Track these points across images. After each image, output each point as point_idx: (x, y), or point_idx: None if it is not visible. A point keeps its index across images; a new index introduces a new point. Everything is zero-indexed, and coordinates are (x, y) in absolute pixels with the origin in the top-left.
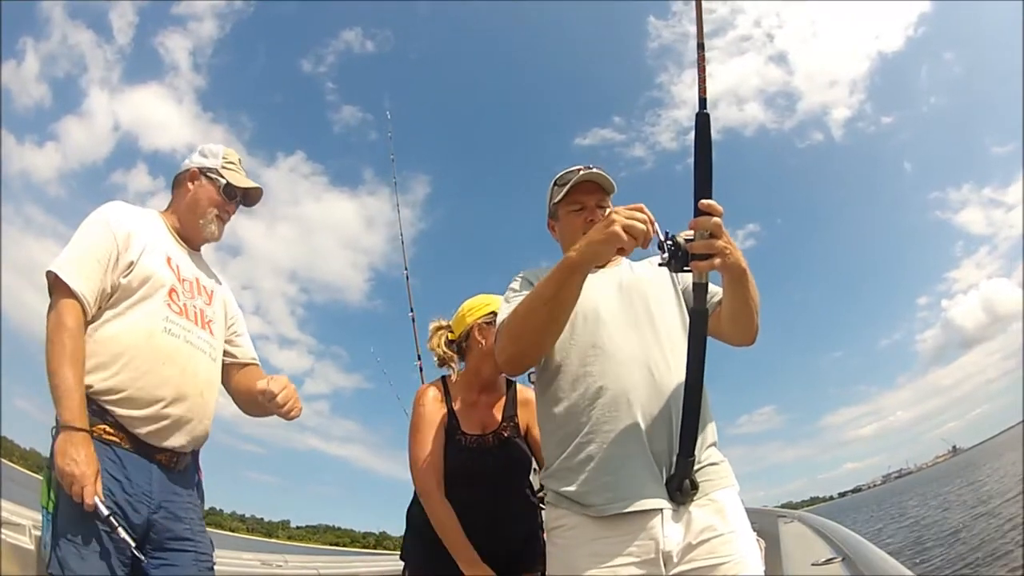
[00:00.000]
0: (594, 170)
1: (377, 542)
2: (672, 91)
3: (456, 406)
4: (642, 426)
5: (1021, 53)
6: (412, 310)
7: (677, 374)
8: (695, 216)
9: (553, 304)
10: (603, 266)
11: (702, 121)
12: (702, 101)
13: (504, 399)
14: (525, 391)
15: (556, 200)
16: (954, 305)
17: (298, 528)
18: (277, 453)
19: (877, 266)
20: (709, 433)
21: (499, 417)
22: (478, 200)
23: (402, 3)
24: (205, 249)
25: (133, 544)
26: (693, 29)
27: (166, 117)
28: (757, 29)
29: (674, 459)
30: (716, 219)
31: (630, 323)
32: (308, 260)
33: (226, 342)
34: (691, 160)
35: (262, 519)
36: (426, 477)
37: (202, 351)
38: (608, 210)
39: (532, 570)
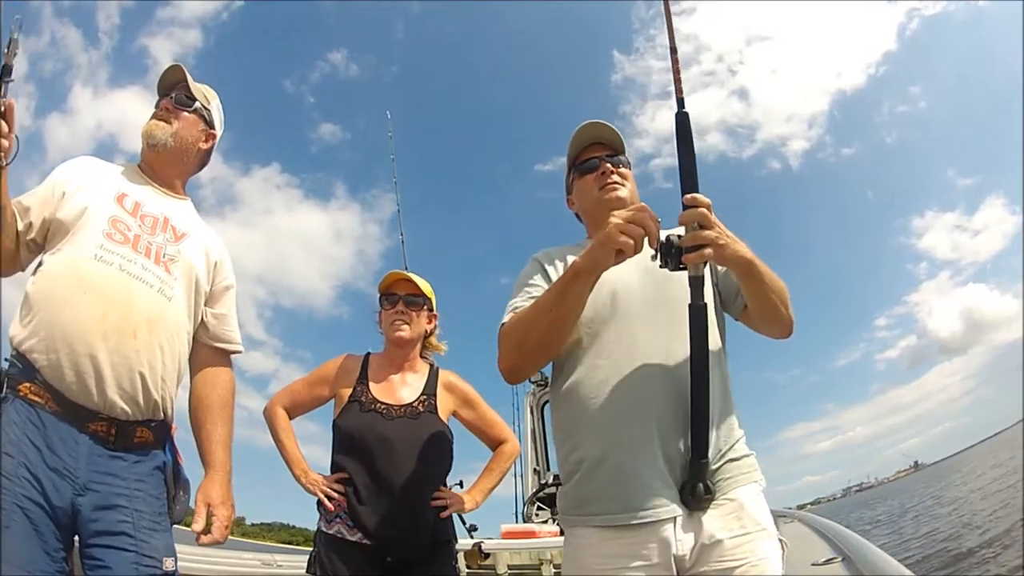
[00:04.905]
0: (594, 121)
1: None
2: (634, 121)
3: (370, 375)
4: (655, 428)
5: (988, 87)
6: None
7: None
8: (682, 212)
9: (556, 313)
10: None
11: (681, 120)
12: (680, 101)
13: (425, 379)
14: (449, 375)
15: (567, 170)
16: (907, 332)
17: (253, 525)
18: (234, 449)
19: (838, 287)
20: (726, 429)
21: (416, 393)
22: (443, 218)
23: (384, 28)
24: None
25: None
26: (656, 64)
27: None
28: (720, 64)
29: (688, 461)
30: (702, 210)
31: (650, 317)
32: (277, 265)
33: (205, 305)
34: (654, 187)
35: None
36: (275, 397)
37: (146, 283)
38: (621, 170)
39: (425, 566)
